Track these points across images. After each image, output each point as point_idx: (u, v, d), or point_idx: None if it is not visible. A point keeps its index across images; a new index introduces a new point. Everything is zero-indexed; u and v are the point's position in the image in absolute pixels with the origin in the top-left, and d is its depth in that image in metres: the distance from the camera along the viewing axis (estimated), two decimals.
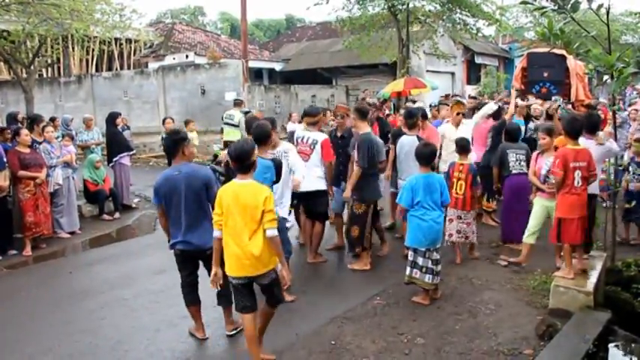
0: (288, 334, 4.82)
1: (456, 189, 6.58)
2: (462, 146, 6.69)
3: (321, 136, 6.62)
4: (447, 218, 6.56)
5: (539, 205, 6.19)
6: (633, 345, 4.56)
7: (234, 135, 12.05)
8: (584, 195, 5.27)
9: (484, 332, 4.75)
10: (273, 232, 3.94)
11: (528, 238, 6.24)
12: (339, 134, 7.32)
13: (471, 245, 6.78)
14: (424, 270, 5.36)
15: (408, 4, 17.81)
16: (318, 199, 6.60)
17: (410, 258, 5.43)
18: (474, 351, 4.46)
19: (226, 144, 11.67)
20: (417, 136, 6.92)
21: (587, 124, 5.65)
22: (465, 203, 6.56)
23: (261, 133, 5.24)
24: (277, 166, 5.15)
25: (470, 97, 12.72)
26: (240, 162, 4.05)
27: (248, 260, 3.95)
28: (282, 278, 4.09)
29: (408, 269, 5.42)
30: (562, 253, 5.53)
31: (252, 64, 23.37)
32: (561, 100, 8.80)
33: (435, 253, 5.40)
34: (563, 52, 7.69)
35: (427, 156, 5.52)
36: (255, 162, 4.13)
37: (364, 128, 6.36)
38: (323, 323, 5.06)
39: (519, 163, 6.94)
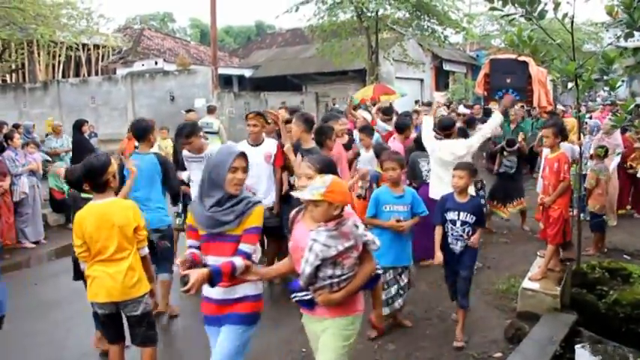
0: (258, 342, 4.77)
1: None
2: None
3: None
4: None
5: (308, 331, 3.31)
6: (598, 346, 4.65)
7: (213, 143, 11.82)
8: None
9: (454, 337, 4.79)
10: (145, 250, 3.71)
11: None
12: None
13: None
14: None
15: (377, 12, 17.97)
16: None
17: None
18: (444, 355, 4.50)
19: None
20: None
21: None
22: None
23: (139, 129, 5.04)
24: (162, 162, 4.93)
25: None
26: (93, 179, 3.57)
27: (119, 284, 3.52)
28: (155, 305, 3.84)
29: None
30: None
31: (222, 70, 23.26)
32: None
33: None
34: (526, 58, 7.79)
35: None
36: (113, 177, 3.63)
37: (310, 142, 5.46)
38: (293, 331, 5.03)
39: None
